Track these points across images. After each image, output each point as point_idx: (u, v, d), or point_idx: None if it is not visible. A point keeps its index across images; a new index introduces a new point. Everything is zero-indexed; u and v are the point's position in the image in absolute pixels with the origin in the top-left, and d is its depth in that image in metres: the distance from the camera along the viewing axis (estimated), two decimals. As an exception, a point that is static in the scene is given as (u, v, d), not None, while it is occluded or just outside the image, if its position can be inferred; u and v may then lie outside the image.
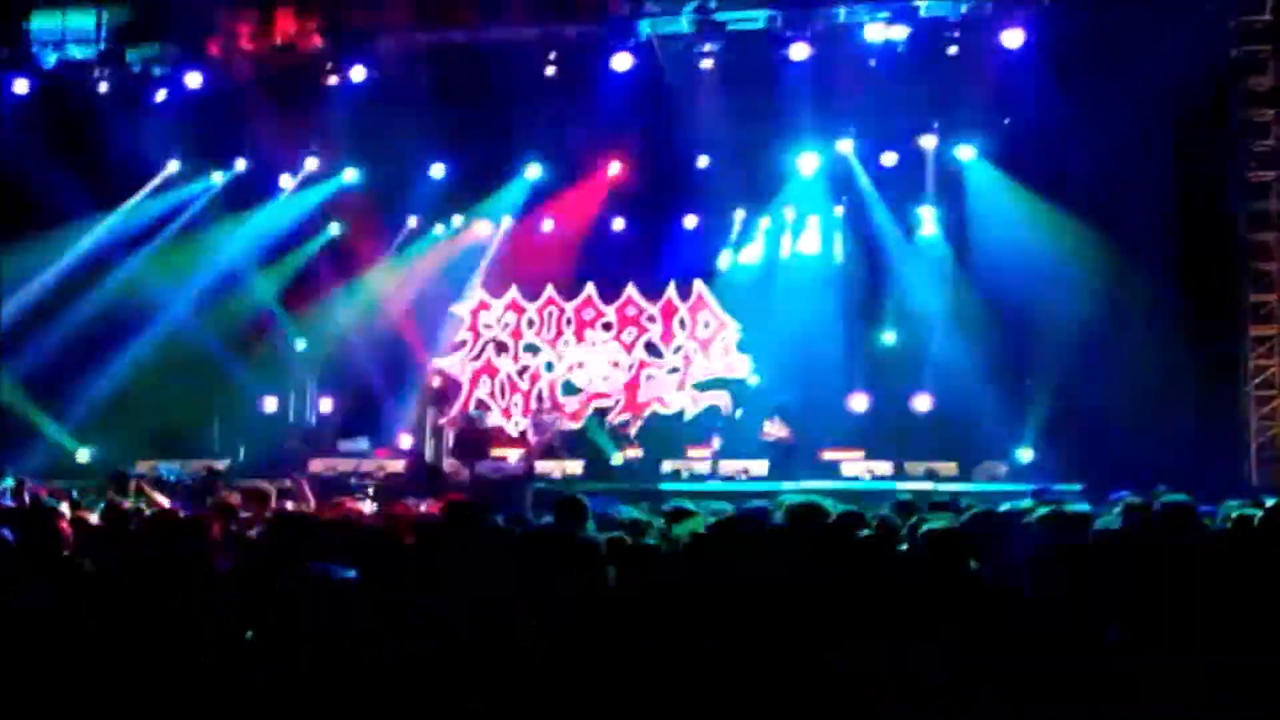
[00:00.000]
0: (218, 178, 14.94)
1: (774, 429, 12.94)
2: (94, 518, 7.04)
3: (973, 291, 13.31)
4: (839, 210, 14.61)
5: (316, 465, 12.72)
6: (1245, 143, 12.29)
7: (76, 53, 13.89)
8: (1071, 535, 5.22)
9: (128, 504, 8.01)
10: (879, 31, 12.47)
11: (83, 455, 13.44)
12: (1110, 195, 12.91)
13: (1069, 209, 12.63)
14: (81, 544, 5.52)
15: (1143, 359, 12.15)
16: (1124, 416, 11.54)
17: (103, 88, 13.72)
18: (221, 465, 12.62)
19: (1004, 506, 6.52)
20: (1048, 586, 4.31)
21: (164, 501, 8.86)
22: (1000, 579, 4.42)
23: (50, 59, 13.91)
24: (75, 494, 9.08)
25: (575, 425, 14.38)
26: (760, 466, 12.11)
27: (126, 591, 4.53)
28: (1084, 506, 6.58)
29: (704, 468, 12.35)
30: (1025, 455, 12.18)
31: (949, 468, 11.70)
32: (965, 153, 13.67)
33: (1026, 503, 6.68)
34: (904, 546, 5.08)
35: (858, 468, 12.01)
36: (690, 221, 14.88)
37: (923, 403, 13.45)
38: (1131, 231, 12.83)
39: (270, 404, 14.79)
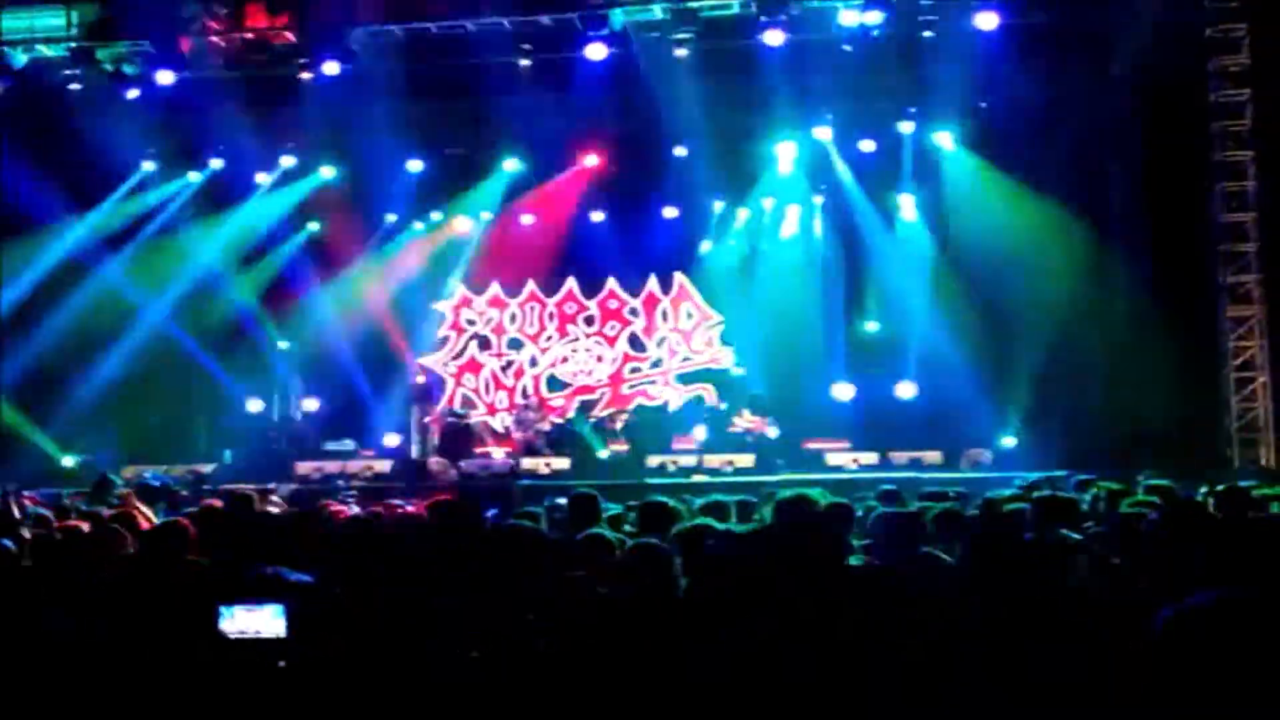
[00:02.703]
0: (194, 177, 14.80)
1: (744, 421, 12.94)
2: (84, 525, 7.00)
3: (954, 277, 13.34)
4: (818, 199, 14.59)
5: (303, 467, 12.68)
6: (1221, 123, 12.31)
7: (47, 52, 13.70)
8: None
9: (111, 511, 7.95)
10: (853, 16, 12.42)
11: (68, 462, 13.35)
12: (1087, 177, 12.96)
13: (1046, 192, 12.66)
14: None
15: (1123, 342, 12.23)
16: (1105, 401, 11.62)
17: (74, 87, 13.54)
18: (208, 469, 12.56)
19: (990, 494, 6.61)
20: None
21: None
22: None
23: (20, 59, 13.71)
24: (66, 500, 8.98)
25: (560, 421, 14.36)
26: (746, 459, 12.12)
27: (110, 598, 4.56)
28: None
29: (689, 461, 12.35)
30: (1009, 442, 12.23)
31: (934, 456, 11.73)
32: (943, 138, 13.67)
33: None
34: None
35: (843, 458, 12.03)
36: (670, 212, 14.84)
37: (907, 391, 13.49)
38: (1109, 214, 12.89)
39: (254, 406, 14.69)
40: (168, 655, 4.20)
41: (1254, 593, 3.50)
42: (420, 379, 15.13)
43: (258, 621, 4.10)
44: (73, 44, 13.53)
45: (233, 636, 4.09)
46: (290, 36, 13.38)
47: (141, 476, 11.57)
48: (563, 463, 12.66)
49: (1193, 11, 12.17)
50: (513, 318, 15.55)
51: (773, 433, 12.84)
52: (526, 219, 15.19)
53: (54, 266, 14.06)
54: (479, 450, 13.73)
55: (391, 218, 15.25)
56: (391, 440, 14.26)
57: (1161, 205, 12.38)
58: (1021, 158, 13.01)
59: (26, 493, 9.67)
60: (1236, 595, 3.65)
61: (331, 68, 13.10)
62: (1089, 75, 12.87)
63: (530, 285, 15.50)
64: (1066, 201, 12.58)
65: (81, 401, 13.69)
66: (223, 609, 4.11)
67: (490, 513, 6.82)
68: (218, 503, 7.53)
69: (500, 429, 14.85)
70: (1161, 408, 11.09)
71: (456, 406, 15.11)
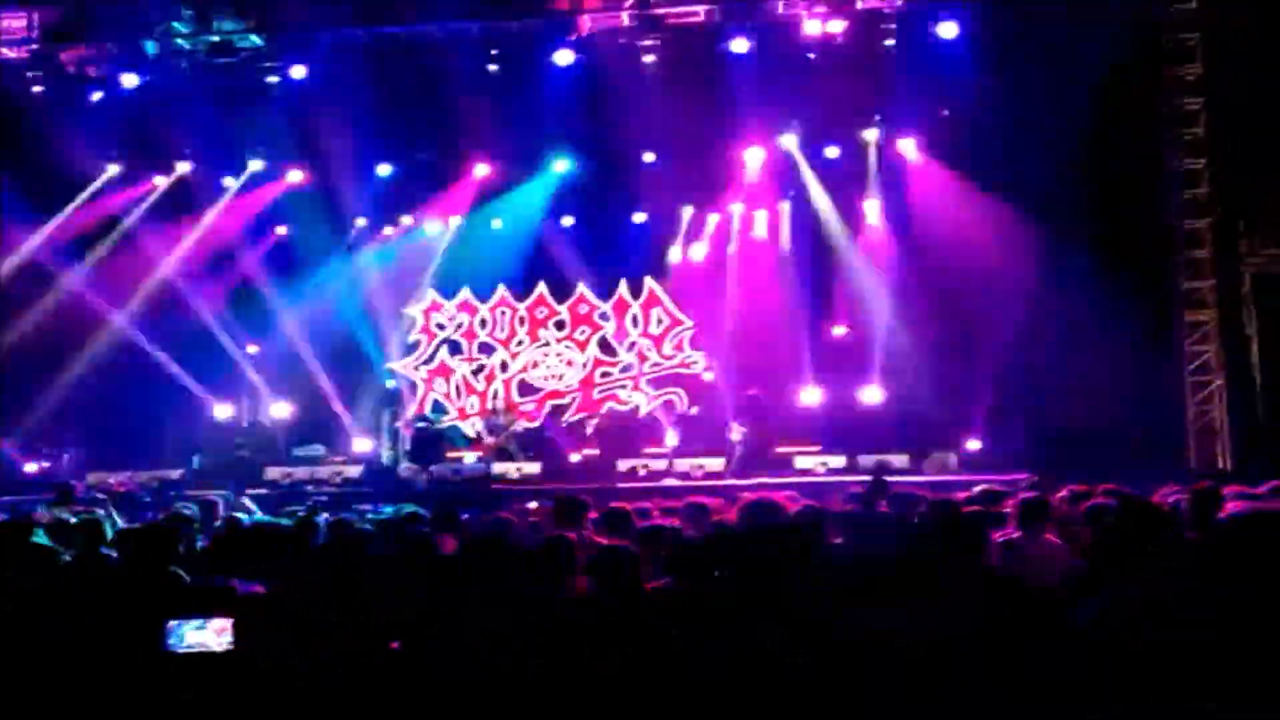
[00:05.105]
0: (159, 181, 14.70)
1: (738, 431, 13.04)
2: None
3: (918, 282, 13.54)
4: (784, 205, 14.74)
5: (272, 473, 12.64)
6: (1175, 130, 12.56)
7: (9, 54, 13.56)
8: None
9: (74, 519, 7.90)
10: (817, 24, 12.57)
11: (30, 469, 13.23)
12: (1047, 184, 13.19)
13: (1008, 199, 12.87)
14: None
15: (1082, 347, 12.47)
16: (1066, 405, 11.84)
17: (37, 90, 13.41)
18: (175, 475, 12.50)
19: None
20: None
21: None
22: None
23: (-19, 61, 13.56)
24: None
25: (532, 425, 14.42)
26: (715, 463, 12.24)
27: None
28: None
29: (660, 465, 12.45)
30: (973, 445, 12.42)
31: (901, 460, 11.90)
32: (907, 145, 13.87)
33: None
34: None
35: (811, 462, 12.17)
36: (639, 218, 14.94)
37: (873, 395, 13.67)
38: (1069, 220, 13.14)
39: (222, 411, 14.61)
40: (114, 670, 4.20)
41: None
42: (391, 384, 15.12)
43: (204, 636, 4.06)
44: (35, 46, 13.39)
45: (179, 651, 4.06)
46: (256, 40, 13.34)
47: (106, 483, 11.56)
48: (534, 467, 12.72)
49: (1149, 21, 12.40)
50: (483, 322, 15.58)
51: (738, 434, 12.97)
52: (496, 223, 15.22)
53: (16, 270, 13.94)
54: (450, 455, 13.75)
55: (361, 222, 15.22)
56: (362, 446, 14.24)
57: (1120, 212, 12.63)
58: (983, 164, 13.22)
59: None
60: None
61: (298, 71, 13.08)
62: (1046, 82, 13.10)
63: (501, 290, 15.54)
64: (1028, 208, 12.80)
65: (45, 408, 13.56)
66: (170, 623, 4.06)
67: (464, 516, 6.92)
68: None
69: (472, 433, 14.88)
70: (1121, 411, 11.31)
71: (428, 411, 15.11)
